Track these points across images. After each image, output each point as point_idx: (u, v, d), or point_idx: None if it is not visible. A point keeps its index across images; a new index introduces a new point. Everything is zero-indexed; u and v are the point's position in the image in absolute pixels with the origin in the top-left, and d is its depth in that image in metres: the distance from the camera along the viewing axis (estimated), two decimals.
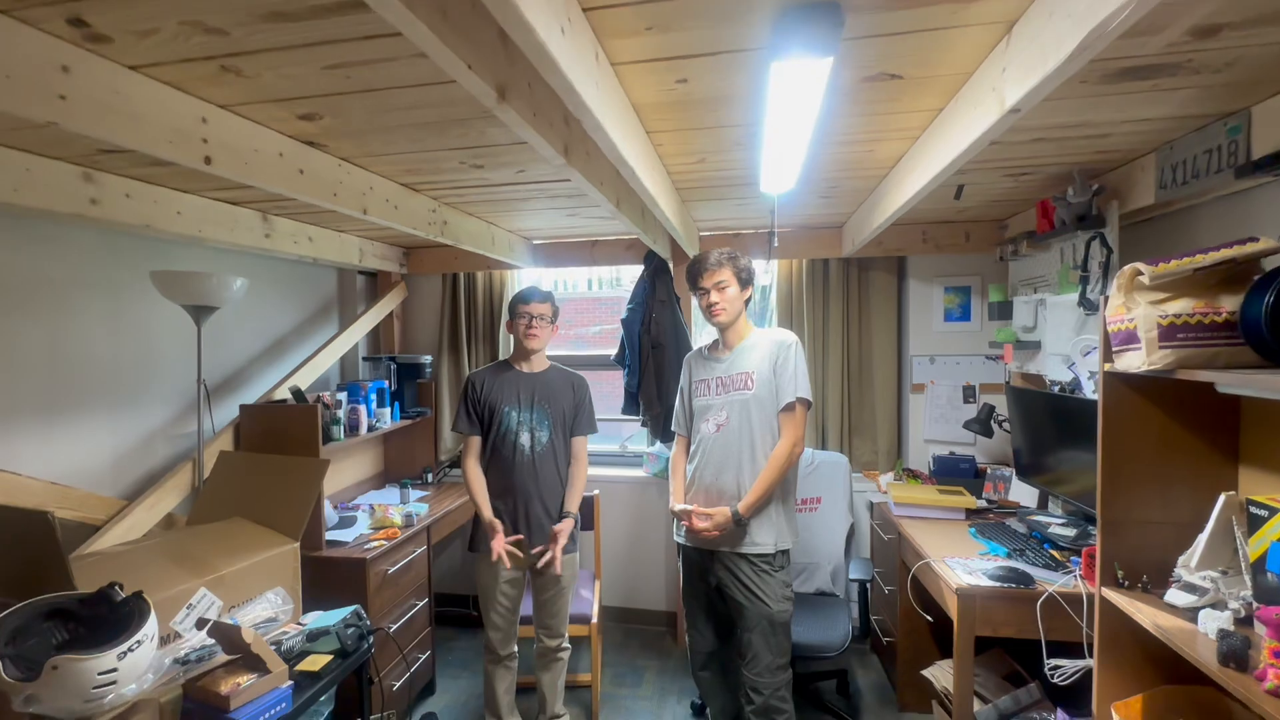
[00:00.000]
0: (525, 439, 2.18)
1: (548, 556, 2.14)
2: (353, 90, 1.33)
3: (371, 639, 1.76)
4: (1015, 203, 2.56)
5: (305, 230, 2.71)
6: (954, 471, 2.92)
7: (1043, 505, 2.64)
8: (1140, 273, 1.33)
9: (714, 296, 2.02)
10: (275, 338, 3.00)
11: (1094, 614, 1.84)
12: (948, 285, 3.08)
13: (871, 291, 3.20)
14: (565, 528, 2.18)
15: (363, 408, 2.76)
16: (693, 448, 2.11)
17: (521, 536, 2.14)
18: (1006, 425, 2.81)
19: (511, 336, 2.28)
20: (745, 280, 2.06)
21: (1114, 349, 1.44)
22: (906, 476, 3.01)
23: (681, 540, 2.10)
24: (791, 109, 1.38)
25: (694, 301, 3.29)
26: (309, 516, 1.94)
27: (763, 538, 1.95)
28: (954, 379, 3.07)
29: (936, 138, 1.56)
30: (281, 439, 2.36)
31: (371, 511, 2.72)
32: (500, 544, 2.07)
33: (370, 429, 2.85)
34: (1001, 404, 2.88)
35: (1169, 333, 1.28)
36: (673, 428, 2.24)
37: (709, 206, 2.61)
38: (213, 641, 1.52)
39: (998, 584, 1.94)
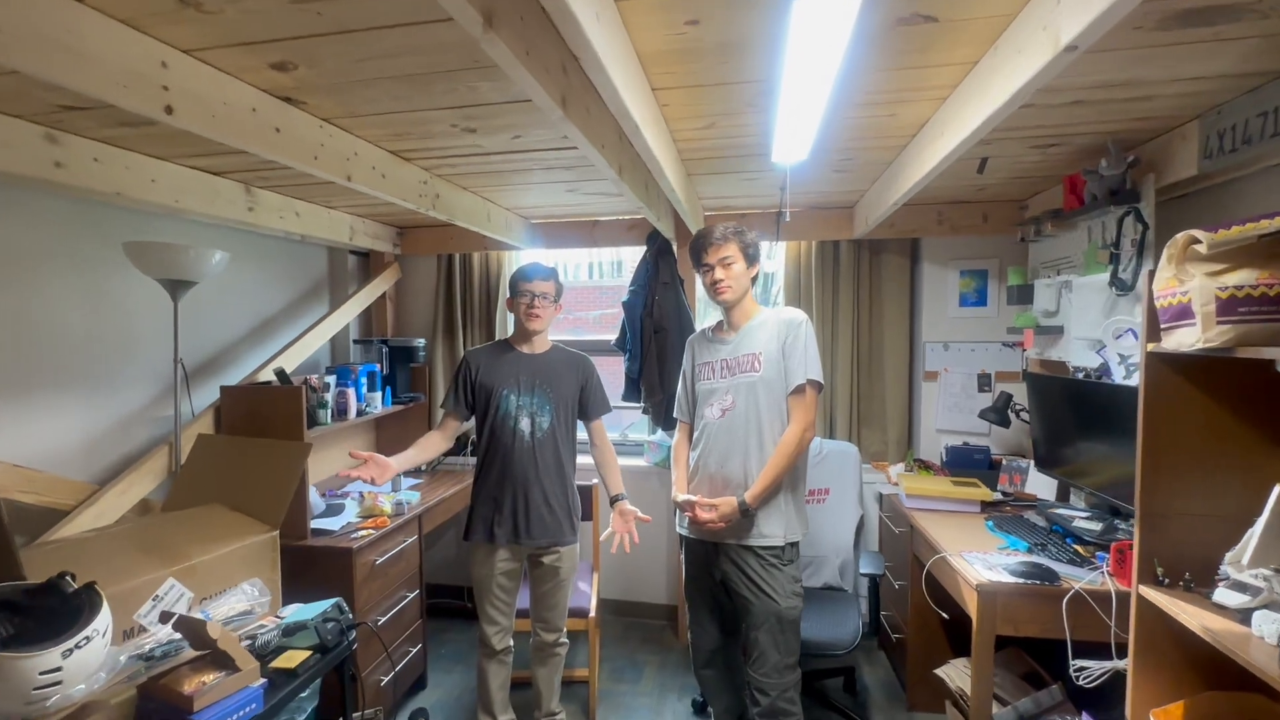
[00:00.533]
0: (525, 424, 2.06)
1: (619, 540, 2.06)
2: (326, 32, 1.21)
3: (354, 634, 1.65)
4: (1039, 179, 2.43)
5: (292, 205, 2.59)
6: (968, 462, 2.80)
7: (1062, 498, 2.53)
8: (1197, 240, 1.20)
9: (719, 273, 1.90)
10: (262, 318, 2.88)
11: (1124, 612, 1.73)
12: (963, 269, 2.95)
13: (883, 275, 3.07)
14: (629, 509, 2.10)
15: (351, 391, 2.64)
16: (696, 434, 1.99)
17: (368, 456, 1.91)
18: (1024, 415, 2.69)
19: (511, 316, 2.16)
20: (752, 256, 1.94)
21: (1162, 326, 1.32)
22: (918, 467, 2.90)
23: (684, 532, 1.98)
24: (812, 58, 1.25)
25: (698, 284, 3.18)
26: (289, 503, 1.83)
27: (771, 529, 1.83)
28: (968, 366, 2.95)
29: (970, 94, 1.43)
30: (264, 422, 2.25)
31: (360, 499, 2.61)
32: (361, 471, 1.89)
33: (360, 413, 2.73)
34: (1019, 392, 2.76)
35: (1228, 306, 1.16)
36: (674, 413, 2.12)
37: (716, 181, 2.48)
38: (180, 636, 1.40)
39: (1020, 580, 1.83)
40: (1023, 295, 2.61)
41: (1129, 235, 1.95)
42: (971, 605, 1.87)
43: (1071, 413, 2.23)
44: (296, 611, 1.65)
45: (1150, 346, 1.39)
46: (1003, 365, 2.92)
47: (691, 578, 2.01)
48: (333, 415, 2.57)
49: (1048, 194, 2.58)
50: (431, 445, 2.12)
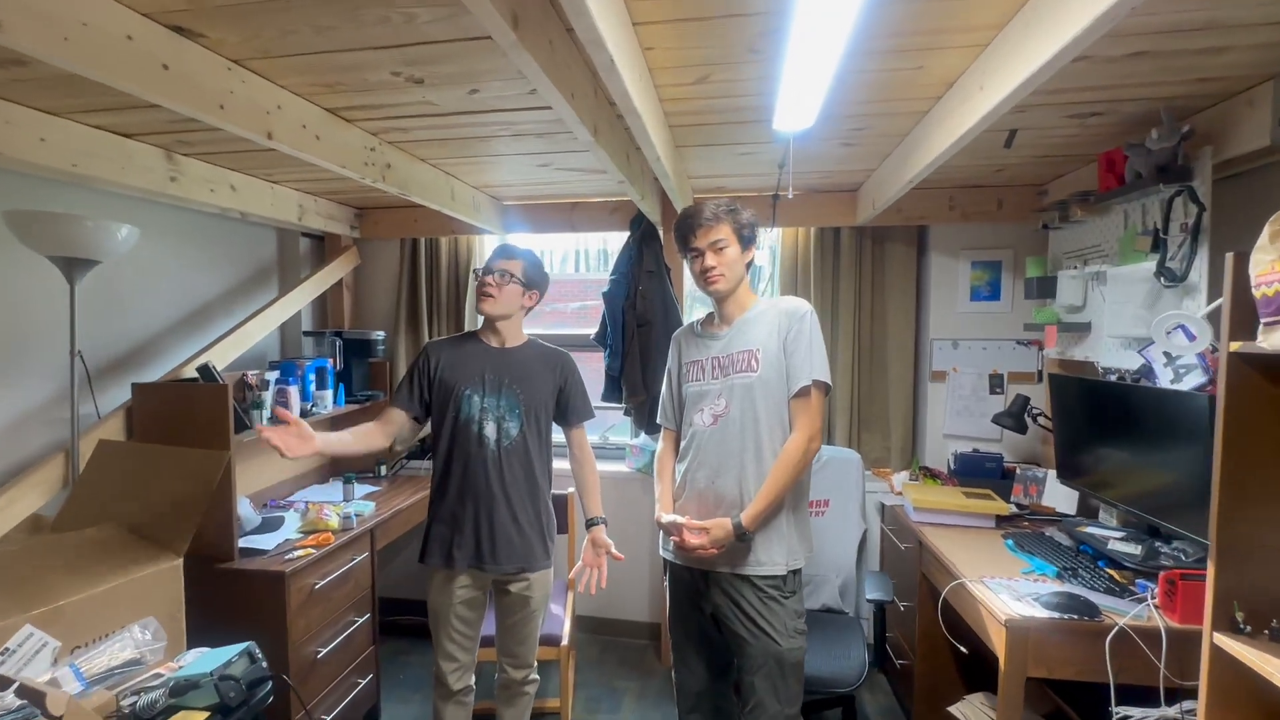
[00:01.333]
0: (490, 430, 1.78)
1: (589, 577, 1.82)
2: None
3: (268, 687, 1.36)
4: (1065, 160, 2.19)
5: (225, 176, 2.27)
6: (978, 471, 2.56)
7: (1084, 512, 2.30)
8: None
9: (710, 259, 1.62)
10: (195, 306, 2.55)
11: (1176, 653, 1.50)
12: (975, 260, 2.71)
13: (887, 267, 2.82)
14: (603, 540, 1.86)
15: (294, 389, 2.33)
16: (684, 443, 1.72)
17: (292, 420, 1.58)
18: (1043, 420, 2.46)
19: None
20: (747, 239, 1.67)
21: (1264, 320, 1.07)
22: (923, 476, 2.66)
23: (669, 556, 1.71)
24: None
25: (687, 272, 2.91)
26: (197, 524, 1.53)
27: (770, 556, 1.57)
28: (979, 366, 2.71)
29: (1024, 34, 1.17)
30: (184, 426, 1.94)
31: (304, 511, 2.31)
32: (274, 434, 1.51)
33: (305, 414, 2.43)
34: (1035, 395, 2.52)
35: None
36: (658, 419, 1.85)
37: (707, 156, 2.20)
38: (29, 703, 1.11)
39: (1056, 615, 1.58)
40: (1043, 288, 2.37)
41: (1179, 219, 1.71)
42: (998, 643, 1.63)
43: (1103, 419, 1.99)
44: (198, 660, 1.36)
45: (1235, 346, 1.15)
46: (1016, 365, 2.69)
47: (677, 609, 1.74)
48: (271, 418, 2.27)
49: (1071, 177, 2.34)
50: (366, 438, 1.77)
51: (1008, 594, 1.70)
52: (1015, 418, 2.45)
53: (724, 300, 1.69)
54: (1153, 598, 1.61)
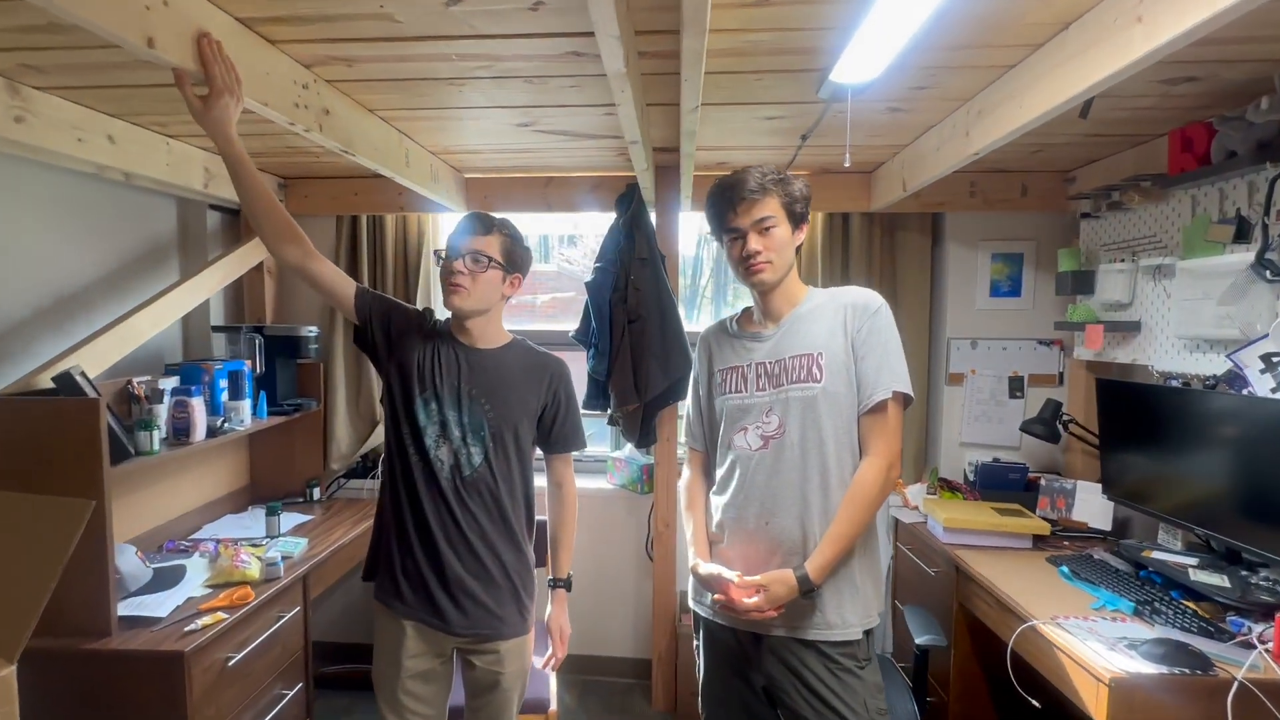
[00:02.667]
0: (445, 454, 1.36)
1: (548, 659, 1.51)
2: None
3: None
4: (1115, 140, 1.97)
5: (100, 123, 1.73)
6: (1002, 483, 2.34)
7: (1120, 528, 2.11)
8: None
9: (755, 242, 1.28)
10: (63, 294, 1.97)
11: None
12: (995, 251, 2.49)
13: (899, 258, 2.57)
14: (564, 622, 1.52)
15: (198, 401, 1.82)
16: (720, 471, 1.37)
17: None
18: (1075, 427, 2.26)
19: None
20: (799, 216, 1.33)
21: None
22: (941, 489, 2.42)
23: (705, 613, 1.36)
24: None
25: (682, 261, 2.55)
26: (39, 612, 1.04)
27: (842, 616, 1.24)
28: (999, 368, 2.50)
29: None
30: (36, 456, 1.42)
31: (214, 557, 1.81)
32: None
33: (215, 432, 1.91)
34: (1058, 399, 2.32)
35: None
36: (683, 438, 1.49)
37: (723, 119, 1.84)
38: None
39: (1164, 669, 1.34)
40: (1078, 283, 2.16)
41: (1279, 204, 1.50)
42: (1094, 703, 1.37)
43: (1167, 429, 1.78)
44: None
45: None
46: (1037, 367, 2.49)
47: (715, 679, 1.38)
48: (166, 439, 1.75)
49: (1106, 163, 2.15)
50: (285, 218, 1.32)
51: (1096, 640, 1.44)
52: (1046, 425, 2.23)
53: (769, 293, 1.35)
54: (1261, 642, 1.40)
